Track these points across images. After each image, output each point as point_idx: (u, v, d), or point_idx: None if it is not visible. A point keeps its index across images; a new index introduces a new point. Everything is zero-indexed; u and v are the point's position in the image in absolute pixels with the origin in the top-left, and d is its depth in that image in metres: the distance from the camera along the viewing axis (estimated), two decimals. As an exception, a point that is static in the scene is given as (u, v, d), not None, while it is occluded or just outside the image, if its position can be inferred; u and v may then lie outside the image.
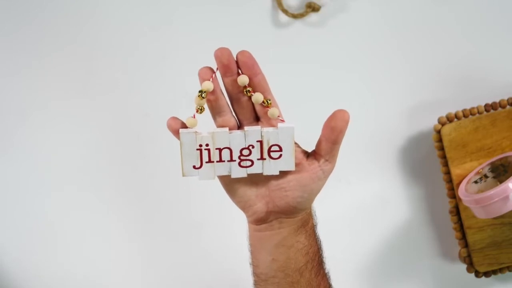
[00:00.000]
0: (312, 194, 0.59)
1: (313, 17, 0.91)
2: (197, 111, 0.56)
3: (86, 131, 0.91)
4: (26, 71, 0.91)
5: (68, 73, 0.91)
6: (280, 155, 0.57)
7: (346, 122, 0.56)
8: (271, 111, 0.56)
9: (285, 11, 0.89)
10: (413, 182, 0.94)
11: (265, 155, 0.57)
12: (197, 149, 0.56)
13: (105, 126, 0.91)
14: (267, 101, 0.56)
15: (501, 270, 0.91)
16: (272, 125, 0.57)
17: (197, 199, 0.92)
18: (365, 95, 0.92)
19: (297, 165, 0.58)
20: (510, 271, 0.91)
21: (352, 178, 0.93)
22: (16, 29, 0.90)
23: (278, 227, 0.60)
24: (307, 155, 0.59)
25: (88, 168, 0.92)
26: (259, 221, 0.60)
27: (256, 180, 0.59)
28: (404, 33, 0.92)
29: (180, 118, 0.57)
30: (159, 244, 0.93)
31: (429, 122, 0.90)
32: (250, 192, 0.59)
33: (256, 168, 0.57)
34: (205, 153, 0.56)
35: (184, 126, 0.57)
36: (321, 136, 0.58)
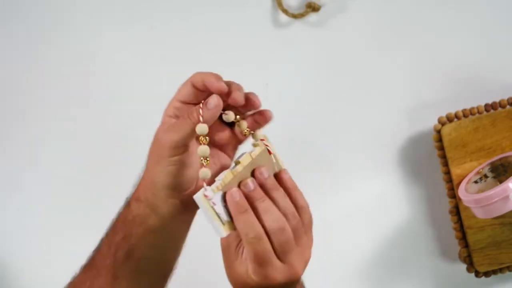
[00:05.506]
0: None
1: (313, 17, 0.91)
2: (204, 160, 0.53)
3: (86, 132, 0.91)
4: (26, 71, 0.90)
5: (68, 74, 0.90)
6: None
7: None
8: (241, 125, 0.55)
9: (285, 11, 0.89)
10: (413, 182, 0.93)
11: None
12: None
13: (105, 127, 0.91)
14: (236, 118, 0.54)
15: (501, 270, 0.91)
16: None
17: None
18: (365, 95, 0.92)
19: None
20: (510, 271, 0.91)
21: (352, 178, 0.93)
22: (16, 29, 0.90)
23: None
24: None
25: (88, 168, 0.92)
26: None
27: None
28: (404, 33, 0.92)
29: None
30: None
31: (429, 122, 0.90)
32: None
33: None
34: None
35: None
36: None
